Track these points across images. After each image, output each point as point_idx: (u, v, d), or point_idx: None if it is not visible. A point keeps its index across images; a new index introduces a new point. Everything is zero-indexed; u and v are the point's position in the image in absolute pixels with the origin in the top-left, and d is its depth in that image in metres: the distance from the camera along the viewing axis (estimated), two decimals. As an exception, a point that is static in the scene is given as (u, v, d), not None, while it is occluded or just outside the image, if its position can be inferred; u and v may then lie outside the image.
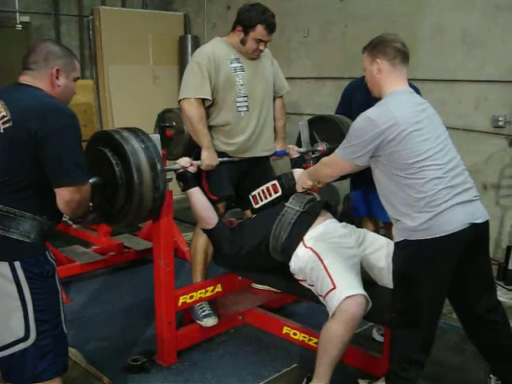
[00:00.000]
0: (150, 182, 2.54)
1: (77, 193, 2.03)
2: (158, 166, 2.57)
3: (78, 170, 2.04)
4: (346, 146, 2.43)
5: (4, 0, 6.00)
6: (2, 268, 1.99)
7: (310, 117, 3.86)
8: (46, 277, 2.07)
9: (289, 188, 3.05)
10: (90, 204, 2.37)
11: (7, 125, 1.97)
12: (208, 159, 3.16)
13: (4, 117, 1.98)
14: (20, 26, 6.05)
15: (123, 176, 2.51)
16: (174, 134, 4.39)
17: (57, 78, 2.13)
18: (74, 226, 2.40)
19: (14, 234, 1.99)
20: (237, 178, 3.38)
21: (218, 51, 3.21)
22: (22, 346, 2.03)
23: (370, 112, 2.35)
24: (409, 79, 2.52)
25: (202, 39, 6.98)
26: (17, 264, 1.99)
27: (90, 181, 2.44)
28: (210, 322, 3.23)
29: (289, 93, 3.64)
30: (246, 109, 3.28)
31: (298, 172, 3.11)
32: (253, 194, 3.18)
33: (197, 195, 3.02)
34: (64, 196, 2.02)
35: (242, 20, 3.19)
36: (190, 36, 7.03)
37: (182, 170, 2.98)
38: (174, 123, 4.40)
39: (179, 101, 3.21)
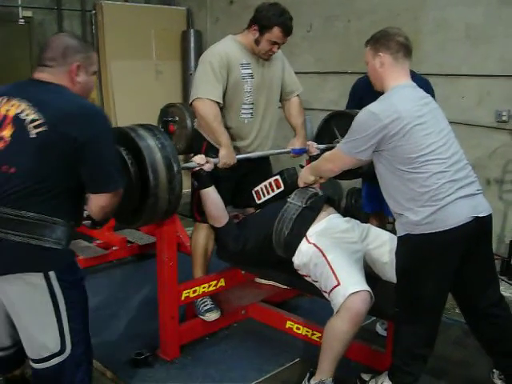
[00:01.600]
0: (166, 183, 2.45)
1: (114, 198, 2.00)
2: (175, 167, 2.48)
3: (118, 175, 2.01)
4: (348, 140, 2.42)
5: (7, -5, 6.00)
6: (36, 279, 1.92)
7: (313, 111, 3.84)
8: (78, 285, 2.03)
9: (291, 183, 3.03)
10: None
11: (41, 129, 1.88)
12: (226, 157, 3.05)
13: (35, 120, 1.88)
14: (23, 20, 6.03)
15: (138, 176, 2.42)
16: (176, 129, 4.38)
17: (77, 74, 2.06)
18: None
19: (48, 242, 1.91)
20: (236, 182, 3.32)
21: (230, 53, 3.11)
22: (58, 359, 2.00)
23: (372, 106, 2.34)
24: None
25: (205, 34, 6.98)
26: (52, 274, 1.93)
27: None
28: (213, 316, 3.23)
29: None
30: (249, 116, 3.22)
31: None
32: (255, 189, 3.14)
33: (212, 194, 2.97)
34: (101, 202, 1.98)
35: (259, 19, 3.08)
36: (192, 31, 7.01)
37: (197, 168, 2.92)
38: (177, 118, 4.38)
39: (192, 101, 3.12)
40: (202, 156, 2.95)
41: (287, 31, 3.11)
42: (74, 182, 1.95)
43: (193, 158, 2.95)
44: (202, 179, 2.95)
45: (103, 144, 1.96)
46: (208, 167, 2.93)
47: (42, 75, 2.03)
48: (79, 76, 2.06)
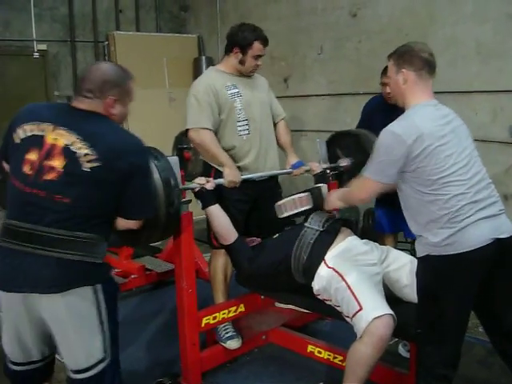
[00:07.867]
0: (164, 196, 2.49)
1: (141, 222, 2.26)
2: (172, 182, 2.54)
3: (150, 207, 2.28)
4: (373, 164, 2.38)
5: (22, 30, 6.15)
6: (87, 293, 2.06)
7: (327, 134, 3.83)
8: (115, 295, 2.20)
9: (317, 205, 3.01)
10: None
11: (95, 164, 2.01)
12: (231, 175, 3.16)
13: (88, 155, 2.00)
14: (37, 54, 6.18)
15: None
16: (192, 156, 4.41)
17: (113, 107, 2.17)
18: None
19: (97, 258, 2.07)
20: (249, 207, 3.40)
21: (214, 80, 3.29)
22: (102, 365, 2.12)
23: (394, 127, 2.30)
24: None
25: (217, 60, 7.03)
26: (98, 287, 2.07)
27: None
28: (234, 344, 3.22)
29: (305, 110, 3.63)
30: (247, 132, 3.33)
31: (324, 188, 3.08)
32: (279, 203, 3.13)
33: (216, 212, 3.01)
34: (130, 225, 2.23)
35: (238, 41, 3.28)
36: (204, 57, 7.10)
37: (199, 188, 2.96)
38: (192, 145, 4.41)
39: (186, 132, 3.32)
40: (202, 177, 3.02)
41: (265, 42, 3.33)
42: (115, 207, 2.14)
43: (194, 180, 3.01)
44: (204, 197, 2.98)
45: (142, 177, 2.17)
46: (210, 186, 2.97)
47: (82, 105, 2.13)
48: (115, 109, 2.18)
